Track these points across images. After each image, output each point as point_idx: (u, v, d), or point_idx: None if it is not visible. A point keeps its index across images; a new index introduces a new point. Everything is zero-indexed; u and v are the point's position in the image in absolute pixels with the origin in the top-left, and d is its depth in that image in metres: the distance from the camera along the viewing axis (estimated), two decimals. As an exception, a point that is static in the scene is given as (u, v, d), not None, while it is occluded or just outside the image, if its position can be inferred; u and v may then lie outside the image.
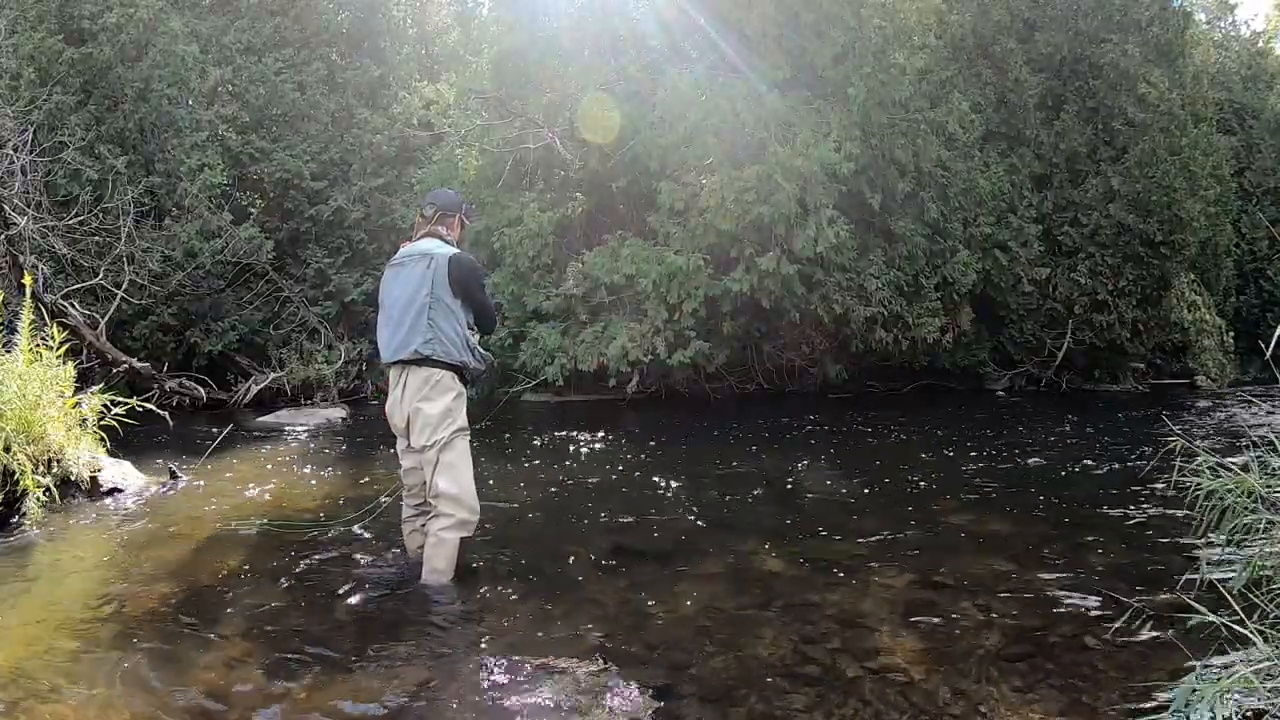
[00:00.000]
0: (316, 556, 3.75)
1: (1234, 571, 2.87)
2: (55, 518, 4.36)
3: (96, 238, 10.02)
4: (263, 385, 10.68)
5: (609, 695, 2.39)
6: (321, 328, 11.64)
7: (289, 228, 12.15)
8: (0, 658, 2.59)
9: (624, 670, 2.55)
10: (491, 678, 2.51)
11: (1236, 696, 2.02)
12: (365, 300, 11.68)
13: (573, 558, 3.81)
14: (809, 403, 11.17)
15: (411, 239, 3.56)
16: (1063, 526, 4.38)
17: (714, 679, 2.52)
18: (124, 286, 9.70)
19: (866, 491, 5.35)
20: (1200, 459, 3.08)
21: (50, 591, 3.31)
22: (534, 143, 11.55)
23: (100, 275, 9.68)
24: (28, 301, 5.42)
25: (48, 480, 4.44)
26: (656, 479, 5.62)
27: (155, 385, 9.53)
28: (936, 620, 2.98)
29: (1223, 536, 2.99)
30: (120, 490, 4.94)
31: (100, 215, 10.05)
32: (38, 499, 4.28)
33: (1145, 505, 4.80)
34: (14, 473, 4.21)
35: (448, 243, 3.49)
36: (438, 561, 3.30)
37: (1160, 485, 5.07)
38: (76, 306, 9.05)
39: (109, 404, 5.17)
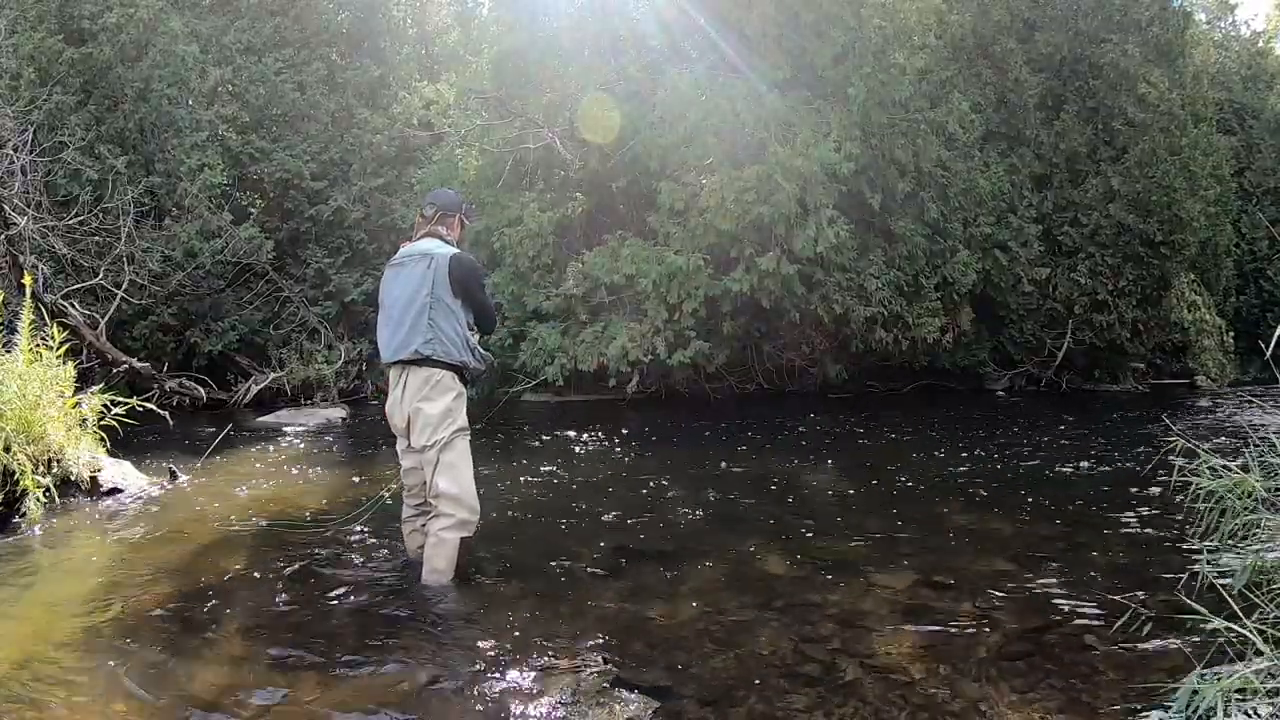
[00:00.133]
0: (316, 556, 3.75)
1: (1234, 572, 2.87)
2: (55, 518, 4.36)
3: (96, 238, 10.03)
4: (263, 385, 10.68)
5: (609, 695, 2.39)
6: (321, 328, 11.64)
7: (289, 228, 12.15)
8: (0, 657, 2.59)
9: (624, 670, 2.55)
10: (491, 678, 2.51)
11: (1236, 697, 2.02)
12: (365, 300, 11.68)
13: (573, 558, 3.81)
14: (809, 403, 11.17)
15: (411, 239, 3.56)
16: (1063, 526, 4.37)
17: (714, 679, 2.52)
18: (124, 286, 9.70)
19: (866, 491, 5.35)
20: (1200, 459, 3.08)
21: (50, 591, 3.31)
22: (534, 143, 11.55)
23: (100, 275, 9.68)
24: (28, 301, 5.42)
25: (48, 480, 4.44)
26: (656, 479, 5.62)
27: (155, 385, 9.54)
28: (936, 620, 2.98)
29: (1222, 537, 2.99)
30: (120, 490, 4.94)
31: (100, 215, 10.06)
32: (38, 499, 4.28)
33: (1145, 505, 4.80)
34: (14, 473, 4.21)
35: (448, 243, 3.49)
36: (438, 561, 3.30)
37: (1160, 485, 5.07)
38: (76, 306, 9.05)
39: (109, 404, 5.17)
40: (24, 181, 9.49)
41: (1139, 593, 3.20)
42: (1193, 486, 3.12)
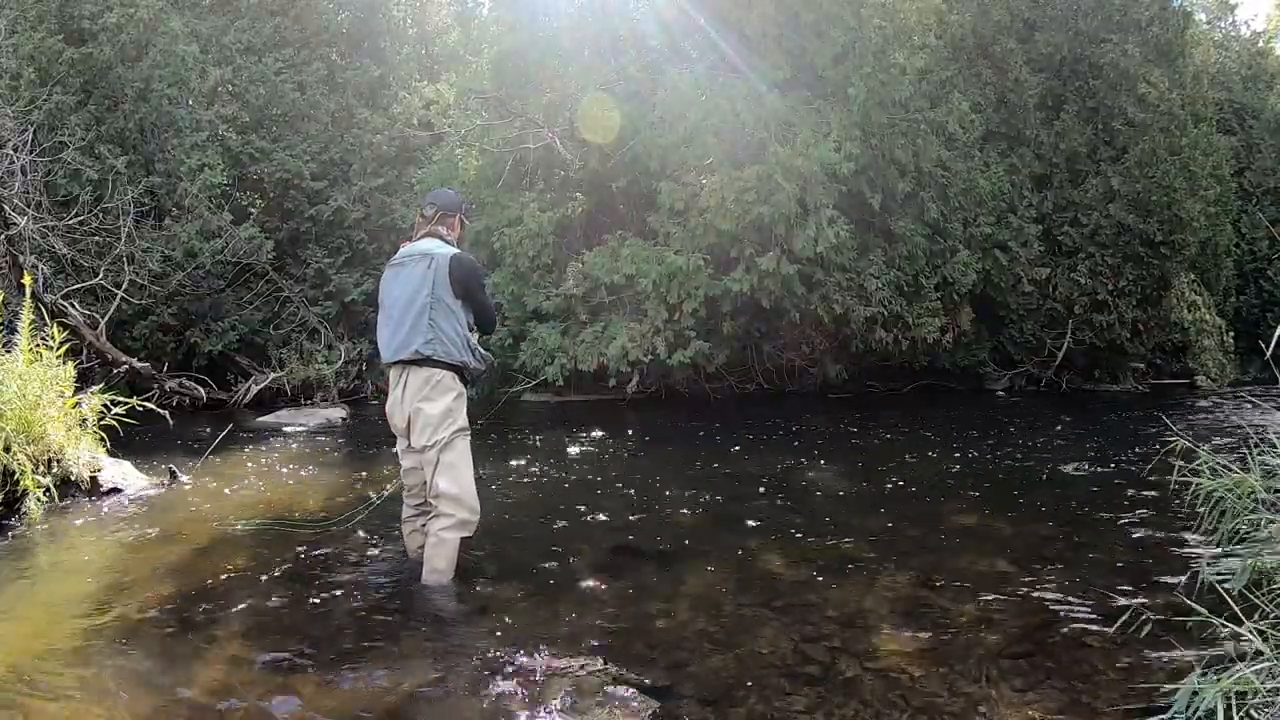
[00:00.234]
0: (316, 556, 3.75)
1: (1234, 571, 2.87)
2: (55, 518, 4.37)
3: (96, 238, 10.02)
4: (263, 385, 10.68)
5: (609, 695, 2.39)
6: (321, 328, 11.64)
7: (289, 228, 12.15)
8: (0, 657, 2.59)
9: (624, 670, 2.55)
10: (492, 677, 2.51)
11: (1236, 698, 2.01)
12: (365, 300, 11.68)
13: (573, 558, 3.81)
14: (809, 403, 11.17)
15: (411, 239, 3.56)
16: (1063, 526, 4.38)
17: (714, 679, 2.52)
18: (124, 286, 9.70)
19: (867, 491, 5.35)
20: (1201, 459, 3.08)
21: (50, 591, 3.31)
22: (534, 143, 11.55)
23: (100, 275, 9.68)
24: (28, 301, 5.42)
25: (48, 480, 4.44)
26: (656, 479, 5.62)
27: (155, 385, 9.53)
28: (936, 620, 2.98)
29: (1223, 536, 2.99)
30: (120, 490, 4.94)
31: (100, 215, 10.05)
32: (38, 499, 4.28)
33: (1145, 505, 4.80)
34: (14, 473, 4.21)
35: (448, 243, 3.49)
36: (438, 561, 3.30)
37: (1160, 485, 5.07)
38: (76, 306, 9.05)
39: (109, 404, 5.17)
40: (24, 181, 9.48)
41: (1139, 593, 3.20)
42: (1193, 487, 3.13)
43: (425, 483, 3.36)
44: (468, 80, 12.95)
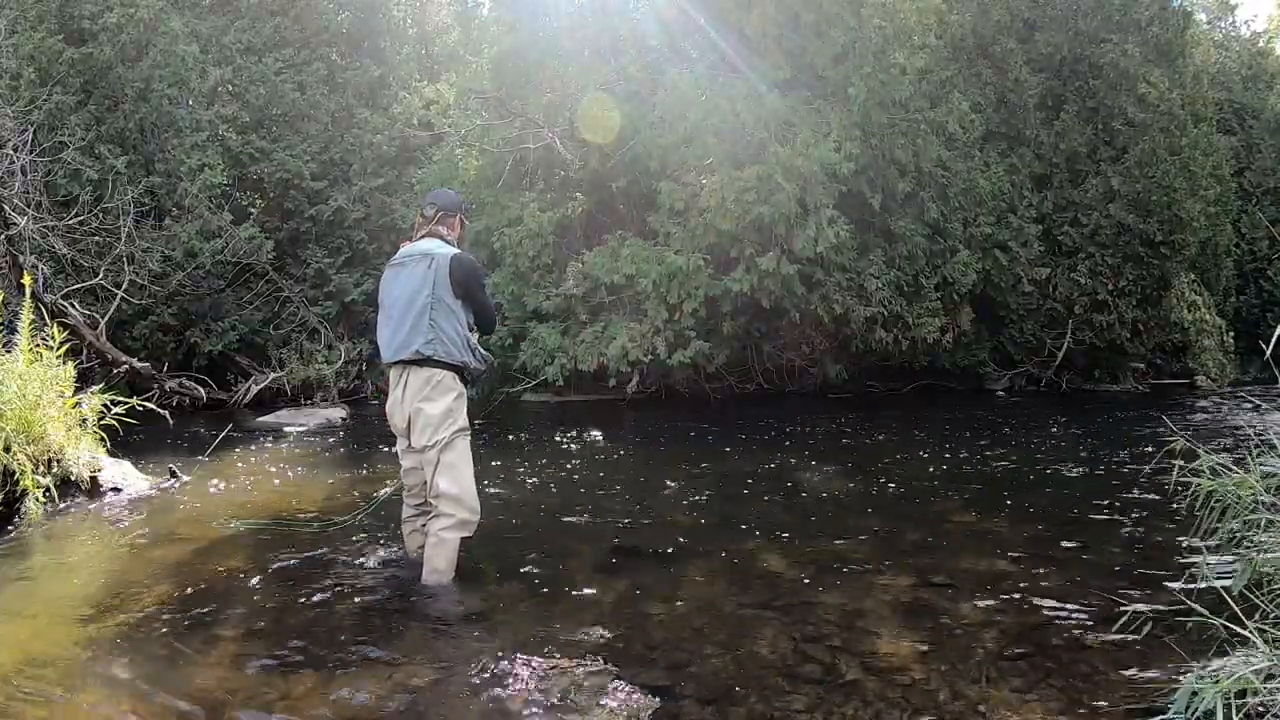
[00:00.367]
0: (316, 556, 3.75)
1: (1234, 572, 2.87)
2: (55, 518, 4.37)
3: (96, 238, 10.03)
4: (263, 385, 10.68)
5: (609, 695, 2.39)
6: (321, 328, 11.64)
7: (289, 228, 12.15)
8: (0, 658, 2.59)
9: (624, 670, 2.55)
10: (491, 678, 2.51)
11: (1236, 697, 2.01)
12: (365, 300, 11.69)
13: (573, 558, 3.81)
14: (809, 403, 11.18)
15: (412, 239, 3.56)
16: (1063, 526, 4.37)
17: (714, 679, 2.52)
18: (124, 286, 9.70)
19: (866, 491, 5.35)
20: (1200, 459, 3.08)
21: (50, 591, 3.31)
22: (534, 143, 11.55)
23: (100, 275, 9.68)
24: (28, 301, 5.42)
25: (48, 480, 4.44)
26: (656, 479, 5.62)
27: (155, 385, 9.54)
28: (936, 620, 2.98)
29: (1222, 537, 2.99)
30: (120, 490, 4.94)
31: (100, 215, 10.06)
32: (37, 499, 4.28)
33: (1145, 505, 4.80)
34: (14, 473, 4.21)
35: (448, 243, 3.48)
36: (438, 561, 3.30)
37: (1160, 485, 5.07)
38: (76, 306, 9.05)
39: (109, 404, 5.17)
40: (24, 181, 9.49)
41: (1139, 593, 3.20)
42: (1193, 487, 3.13)
43: (425, 483, 3.36)
44: (468, 80, 12.95)
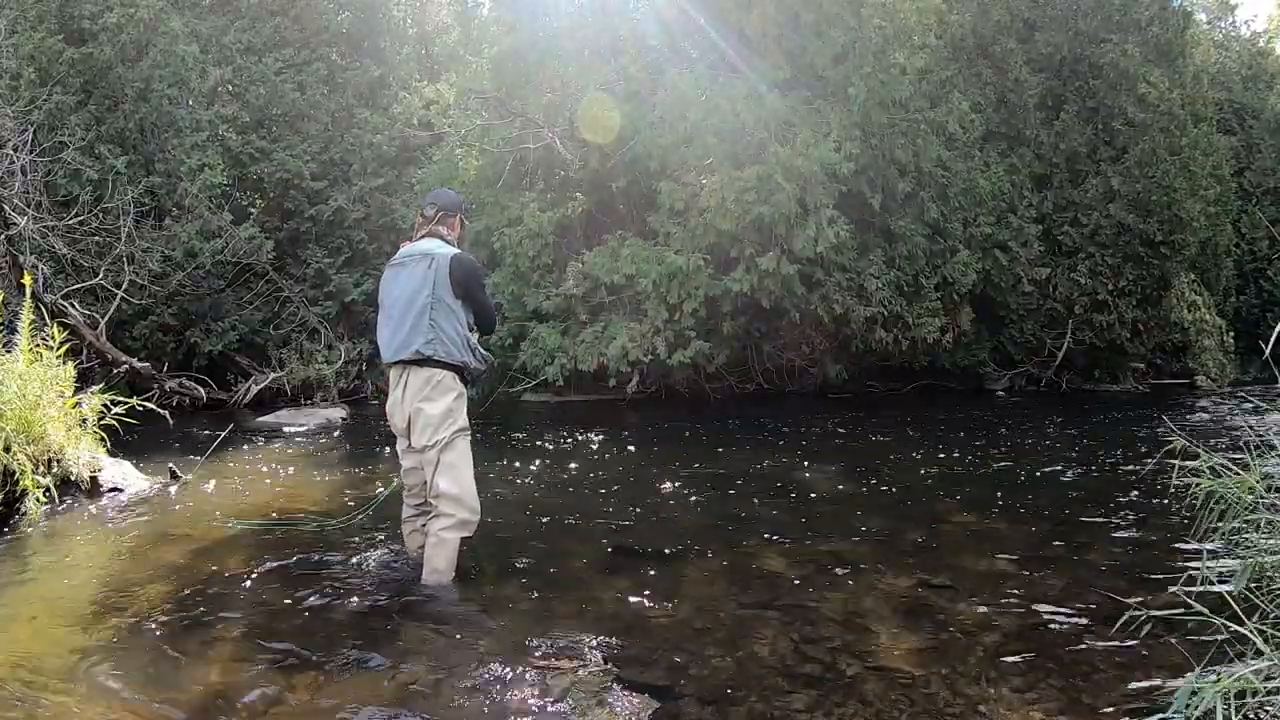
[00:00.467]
0: (316, 556, 3.75)
1: (1234, 571, 2.87)
2: (55, 518, 4.36)
3: (96, 238, 10.02)
4: (263, 385, 10.68)
5: (609, 695, 2.39)
6: (321, 328, 11.64)
7: (289, 228, 12.15)
8: (0, 657, 2.59)
9: (624, 670, 2.55)
10: (491, 678, 2.51)
11: (1236, 698, 2.01)
12: (365, 300, 11.69)
13: (573, 558, 3.81)
14: (809, 403, 11.18)
15: (412, 239, 3.56)
16: (1062, 526, 4.38)
17: (714, 679, 2.52)
18: (124, 286, 9.70)
19: (866, 491, 5.35)
20: (1200, 459, 3.08)
21: (50, 591, 3.31)
22: (534, 143, 11.55)
23: (100, 275, 9.68)
24: (28, 301, 5.42)
25: (48, 480, 4.44)
26: (656, 479, 5.62)
27: (155, 385, 9.53)
28: (936, 620, 2.98)
29: (1223, 536, 2.99)
30: (120, 490, 4.94)
31: (100, 215, 10.05)
32: (37, 499, 4.28)
33: (1145, 505, 4.80)
34: (14, 473, 4.21)
35: (448, 243, 3.48)
36: (438, 561, 3.30)
37: (1160, 485, 5.07)
38: (76, 306, 9.05)
39: (109, 404, 5.17)
40: (24, 181, 9.48)
41: (1138, 593, 3.20)
42: (1193, 487, 3.12)
43: (425, 483, 3.36)
44: (468, 80, 12.95)
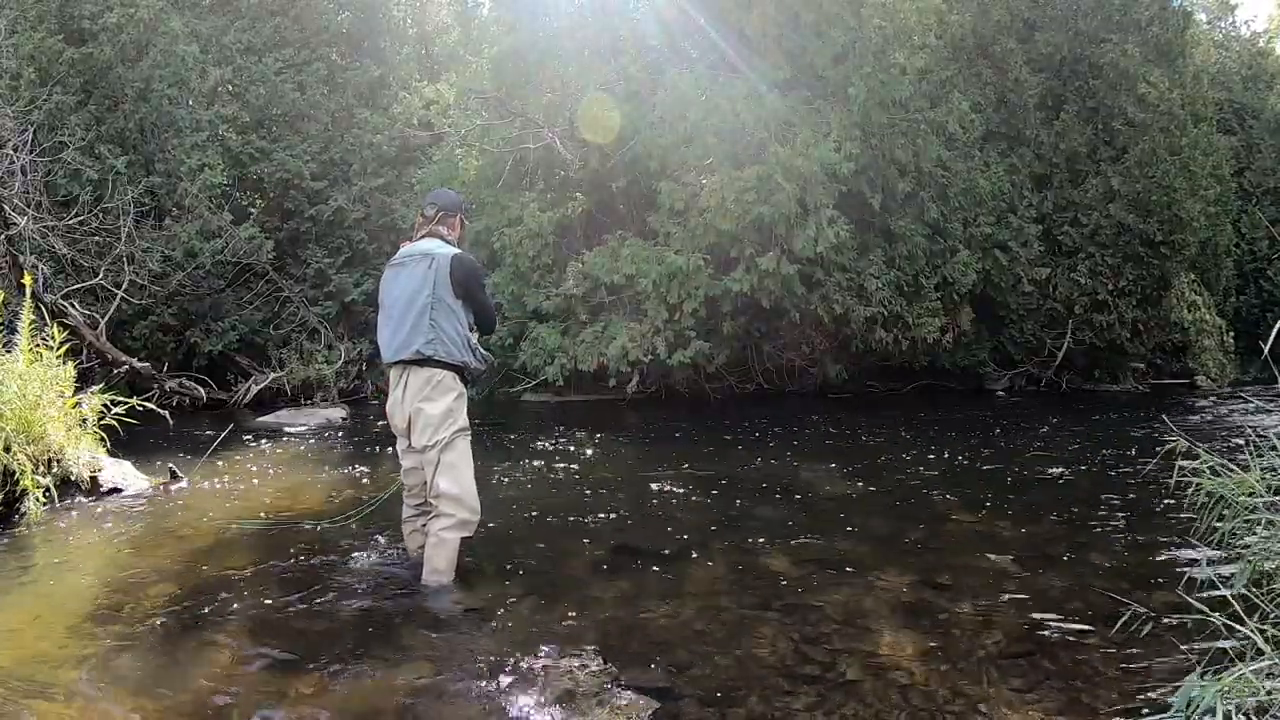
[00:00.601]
0: (316, 556, 3.75)
1: (1234, 572, 2.87)
2: (55, 518, 4.36)
3: (96, 238, 10.02)
4: (263, 385, 10.68)
5: (609, 695, 2.39)
6: (321, 328, 11.64)
7: (289, 228, 12.15)
8: (0, 657, 2.59)
9: (624, 670, 2.55)
10: (491, 678, 2.51)
11: (1236, 697, 2.01)
12: (365, 300, 11.68)
13: (573, 558, 3.81)
14: (809, 403, 11.18)
15: (412, 239, 3.56)
16: (1063, 526, 4.38)
17: (714, 679, 2.52)
18: (124, 286, 9.70)
19: (867, 491, 5.35)
20: (1201, 459, 3.08)
21: (50, 591, 3.31)
22: (534, 143, 11.55)
23: (100, 275, 9.67)
24: (28, 301, 5.42)
25: (48, 480, 4.44)
26: (656, 479, 5.62)
27: (155, 385, 9.53)
28: (936, 620, 2.98)
29: (1223, 536, 2.99)
30: (120, 490, 4.94)
31: (100, 215, 10.05)
32: (37, 499, 4.28)
33: (1145, 505, 4.80)
34: (14, 473, 4.21)
35: (449, 243, 3.48)
36: (438, 561, 3.30)
37: (1160, 485, 5.07)
38: (76, 306, 9.04)
39: (109, 404, 5.17)
40: (24, 181, 9.48)
41: (1139, 593, 3.20)
42: (1193, 487, 3.13)
43: (425, 483, 3.36)
44: (468, 80, 12.95)
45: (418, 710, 2.33)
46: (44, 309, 7.89)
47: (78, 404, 5.00)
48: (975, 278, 11.96)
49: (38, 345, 4.87)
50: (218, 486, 5.31)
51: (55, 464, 4.61)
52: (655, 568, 3.64)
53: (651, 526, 4.40)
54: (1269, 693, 1.97)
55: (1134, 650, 2.68)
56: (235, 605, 3.11)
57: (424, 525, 3.45)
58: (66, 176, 10.25)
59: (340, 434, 8.33)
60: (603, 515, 4.61)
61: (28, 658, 2.61)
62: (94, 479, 4.87)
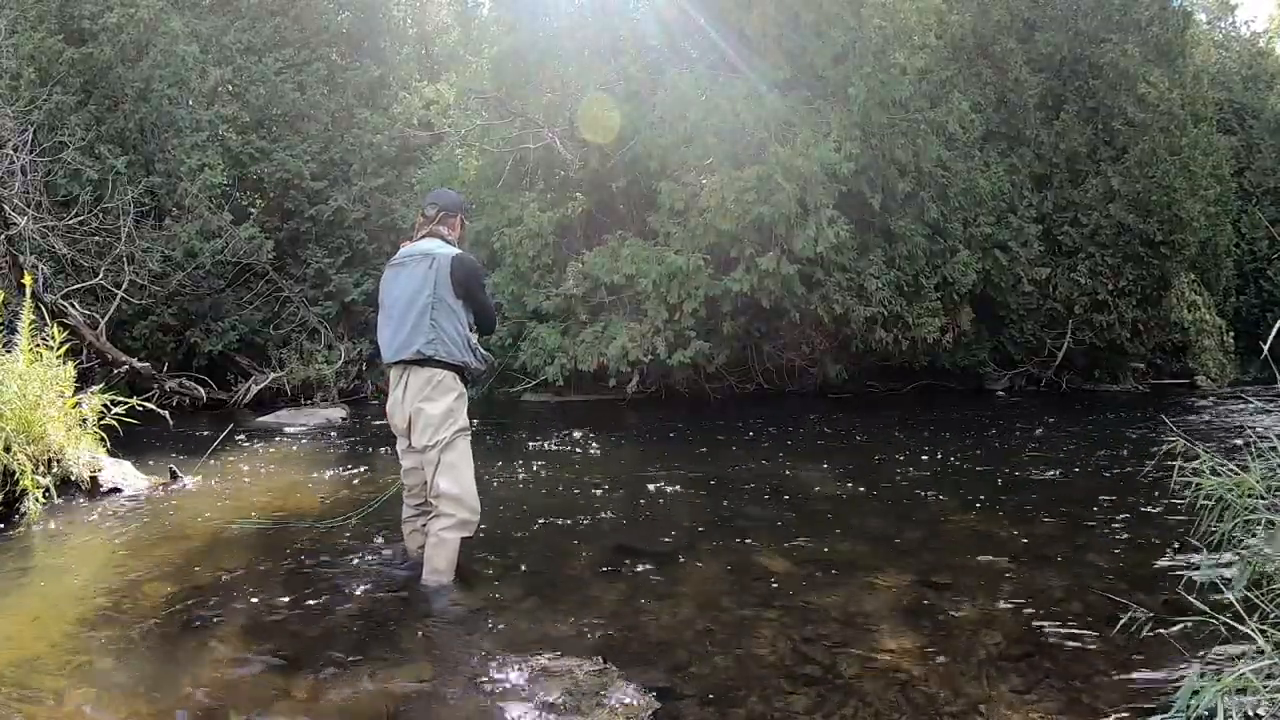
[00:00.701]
0: (316, 556, 3.75)
1: (1234, 571, 2.87)
2: (55, 518, 4.36)
3: (96, 238, 10.02)
4: (263, 385, 10.68)
5: (609, 695, 2.39)
6: (321, 328, 11.64)
7: (289, 228, 12.15)
8: (0, 657, 2.59)
9: (624, 670, 2.55)
10: (491, 678, 2.51)
11: (1236, 697, 2.02)
12: (365, 300, 11.69)
13: (572, 558, 3.81)
14: (809, 403, 11.18)
15: (412, 239, 3.56)
16: (1062, 526, 4.38)
17: (714, 679, 2.52)
18: (124, 286, 9.70)
19: (866, 491, 5.35)
20: (1201, 459, 3.08)
21: (50, 591, 3.31)
22: (534, 143, 11.55)
23: (100, 275, 9.67)
24: (28, 301, 5.42)
25: (48, 480, 4.44)
26: (656, 479, 5.62)
27: (155, 385, 9.53)
28: (936, 620, 2.98)
29: (1223, 536, 2.99)
30: (120, 490, 4.94)
31: (100, 215, 10.05)
32: (37, 499, 4.28)
33: (1145, 505, 4.80)
34: (14, 473, 4.21)
35: (449, 243, 3.49)
36: (438, 561, 3.30)
37: (1160, 485, 5.07)
38: (76, 306, 9.04)
39: (109, 404, 5.17)
40: (24, 181, 9.48)
41: (1139, 593, 3.20)
42: (1193, 487, 3.13)
43: (426, 483, 3.37)
44: (468, 80, 12.95)
45: (417, 710, 2.33)
46: (44, 309, 7.89)
47: (78, 404, 5.00)
48: (975, 278, 11.96)
49: (38, 345, 4.87)
50: (217, 486, 5.31)
51: (55, 464, 4.61)
52: (655, 568, 3.64)
53: (651, 526, 4.40)
54: (1269, 693, 1.97)
55: (1134, 650, 2.68)
56: (234, 606, 3.11)
57: (424, 525, 3.46)
58: (66, 176, 10.25)
59: (340, 434, 8.32)
60: (602, 515, 4.61)
61: (26, 657, 2.61)
62: (94, 479, 4.87)
